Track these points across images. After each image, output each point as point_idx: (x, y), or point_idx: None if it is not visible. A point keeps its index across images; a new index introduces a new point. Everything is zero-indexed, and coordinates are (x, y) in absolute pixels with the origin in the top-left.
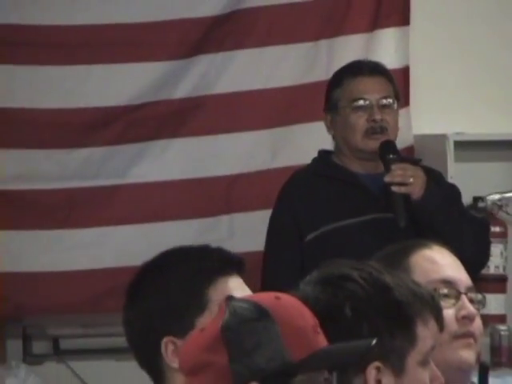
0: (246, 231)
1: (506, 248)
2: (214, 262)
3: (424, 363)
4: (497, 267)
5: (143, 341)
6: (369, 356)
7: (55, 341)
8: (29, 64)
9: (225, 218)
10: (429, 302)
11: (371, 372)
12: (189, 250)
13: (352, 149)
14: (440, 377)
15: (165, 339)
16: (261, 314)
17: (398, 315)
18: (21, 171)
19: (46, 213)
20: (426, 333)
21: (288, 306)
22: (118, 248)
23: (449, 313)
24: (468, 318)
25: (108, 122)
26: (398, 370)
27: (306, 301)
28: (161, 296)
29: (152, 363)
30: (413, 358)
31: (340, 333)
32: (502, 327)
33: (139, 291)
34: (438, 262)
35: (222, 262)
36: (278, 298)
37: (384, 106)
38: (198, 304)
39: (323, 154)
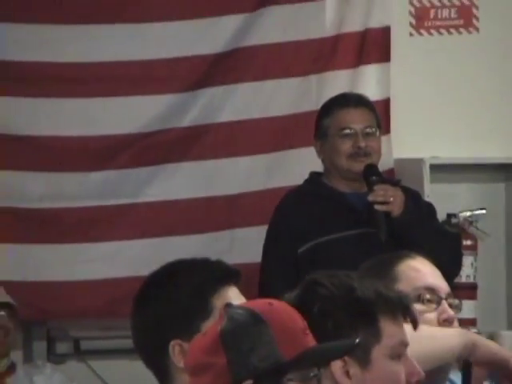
0: (245, 244)
1: (475, 259)
2: (217, 273)
3: (393, 356)
4: (468, 276)
5: (151, 343)
6: None
7: (76, 342)
8: (52, 97)
9: (226, 233)
10: (395, 303)
11: (337, 363)
12: (192, 262)
13: (339, 170)
14: (419, 372)
15: (172, 342)
16: (255, 319)
17: (360, 313)
18: (45, 191)
19: (67, 228)
20: (392, 329)
21: (280, 310)
22: (132, 259)
23: (431, 316)
24: (448, 321)
25: (122, 147)
26: (364, 362)
27: (293, 305)
28: (169, 303)
29: (159, 363)
30: (379, 352)
31: (310, 330)
32: (473, 329)
33: (147, 298)
34: (422, 271)
35: (224, 274)
36: (270, 303)
37: (368, 134)
38: (204, 311)
39: (314, 176)
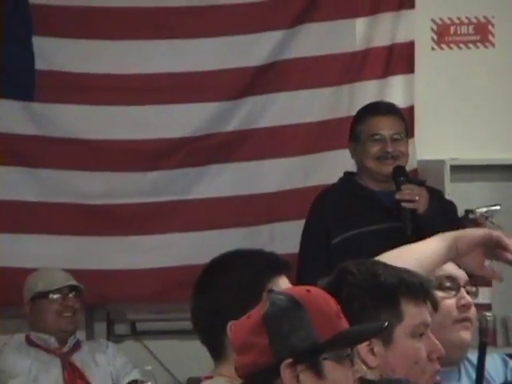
0: (283, 237)
1: None
2: (271, 263)
3: (414, 335)
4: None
5: (210, 324)
6: None
7: (133, 324)
8: (112, 105)
9: (266, 227)
10: (417, 287)
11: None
12: (249, 253)
13: (369, 171)
14: (440, 349)
15: (230, 323)
16: (295, 303)
17: (383, 296)
18: (105, 189)
19: (125, 222)
20: (414, 310)
21: (316, 296)
22: (182, 250)
23: (451, 302)
24: (465, 306)
25: (174, 150)
26: (387, 340)
27: (325, 291)
28: (229, 288)
29: (216, 342)
30: (400, 331)
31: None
32: (488, 314)
33: (208, 284)
34: None
35: (277, 264)
36: (308, 290)
37: (395, 140)
38: (258, 297)
39: (347, 175)
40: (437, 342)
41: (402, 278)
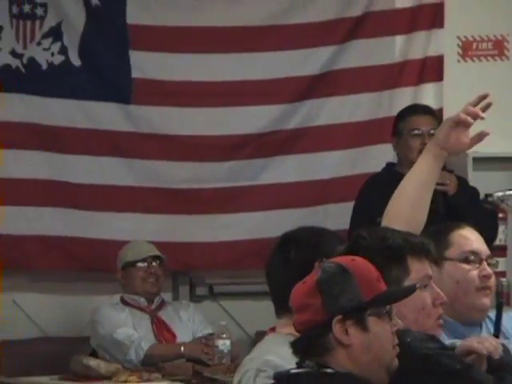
0: (335, 216)
1: (506, 227)
2: (331, 236)
3: (420, 287)
4: (500, 240)
5: (283, 288)
6: None
7: (211, 287)
8: (194, 107)
9: (321, 207)
10: (419, 247)
11: None
12: (313, 229)
13: (410, 162)
14: (443, 297)
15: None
16: (343, 270)
17: (392, 255)
18: (189, 176)
19: (205, 203)
20: (418, 266)
21: (360, 264)
22: (251, 226)
23: (474, 273)
24: (486, 277)
25: (245, 143)
26: None
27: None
28: (297, 260)
29: (283, 303)
30: (408, 283)
31: None
32: (504, 279)
33: (280, 254)
34: (469, 238)
35: (337, 238)
36: (353, 259)
37: (432, 135)
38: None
39: (390, 165)
40: (439, 291)
41: (406, 239)
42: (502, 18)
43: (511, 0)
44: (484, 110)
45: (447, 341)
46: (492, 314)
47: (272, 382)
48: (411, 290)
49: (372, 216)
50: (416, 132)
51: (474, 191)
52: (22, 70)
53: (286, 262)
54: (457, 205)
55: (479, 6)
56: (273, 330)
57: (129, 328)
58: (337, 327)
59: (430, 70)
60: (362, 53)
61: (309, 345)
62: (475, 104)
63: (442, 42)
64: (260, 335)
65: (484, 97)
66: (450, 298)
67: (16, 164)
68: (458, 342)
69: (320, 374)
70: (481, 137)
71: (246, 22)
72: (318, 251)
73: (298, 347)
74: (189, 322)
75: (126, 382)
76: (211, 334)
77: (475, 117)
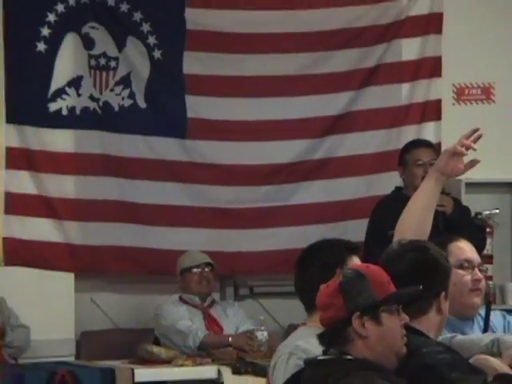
0: (354, 230)
1: (492, 240)
2: (348, 246)
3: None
4: (487, 250)
5: (306, 288)
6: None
7: (251, 288)
8: (237, 141)
9: (342, 223)
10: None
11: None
12: (333, 240)
13: (414, 187)
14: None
15: (321, 287)
16: (359, 274)
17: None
18: (233, 198)
19: (246, 220)
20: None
21: (374, 269)
22: (284, 238)
23: (468, 277)
24: (478, 281)
25: (279, 171)
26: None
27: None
28: (320, 264)
29: (308, 301)
30: None
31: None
32: (490, 282)
33: (305, 261)
34: (463, 249)
35: (351, 246)
36: (367, 266)
37: (432, 164)
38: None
39: (397, 189)
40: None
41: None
42: (489, 68)
43: (497, 54)
44: (475, 141)
45: (447, 334)
46: (482, 311)
47: (302, 364)
48: (416, 291)
49: (383, 229)
50: (419, 162)
51: (467, 210)
52: (99, 111)
53: (312, 268)
54: (453, 221)
55: (470, 59)
56: (304, 324)
57: (187, 320)
58: (356, 322)
59: (430, 111)
60: (375, 97)
61: (332, 336)
62: (468, 136)
63: (439, 89)
64: (292, 328)
65: (476, 130)
66: (448, 298)
67: (93, 187)
68: (459, 336)
69: (342, 359)
70: (473, 164)
71: (283, 72)
72: (335, 258)
73: (323, 338)
74: (233, 318)
75: (182, 365)
76: (251, 330)
77: (468, 148)
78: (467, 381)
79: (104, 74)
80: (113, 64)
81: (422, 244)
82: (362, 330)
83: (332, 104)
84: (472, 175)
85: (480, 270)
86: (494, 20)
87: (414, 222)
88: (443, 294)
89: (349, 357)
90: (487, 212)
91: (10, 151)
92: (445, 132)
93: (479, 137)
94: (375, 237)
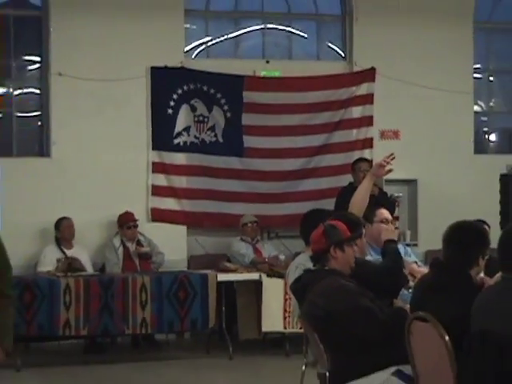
0: (328, 204)
1: (398, 209)
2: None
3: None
4: (396, 213)
5: (308, 234)
6: None
7: (277, 233)
8: (269, 159)
9: (324, 201)
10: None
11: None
12: (321, 210)
13: (359, 182)
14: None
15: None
16: (333, 226)
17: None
18: (266, 188)
19: (274, 198)
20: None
21: (340, 224)
22: (295, 209)
23: (386, 226)
24: (388, 221)
25: (291, 173)
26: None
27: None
28: (316, 221)
29: (307, 241)
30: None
31: None
32: (397, 230)
33: (309, 220)
34: (383, 213)
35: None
36: (336, 222)
37: (367, 170)
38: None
39: (350, 183)
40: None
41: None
42: (397, 120)
43: (402, 114)
44: (391, 159)
45: (374, 256)
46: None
47: (302, 272)
48: (360, 235)
49: (343, 203)
50: (361, 169)
51: (385, 194)
52: (199, 144)
53: (309, 223)
54: (378, 200)
55: (386, 117)
56: (303, 252)
57: (244, 249)
58: (331, 250)
59: (367, 143)
60: (339, 136)
61: (318, 258)
62: (387, 157)
63: (372, 131)
64: (297, 253)
65: (391, 154)
66: (375, 236)
67: (195, 182)
68: (380, 259)
69: (323, 270)
70: (388, 172)
71: (294, 123)
72: (324, 217)
73: (313, 259)
74: (267, 249)
75: (242, 272)
76: (276, 254)
77: (387, 163)
78: (386, 267)
79: (201, 125)
80: (206, 120)
81: (353, 216)
82: (335, 254)
83: (317, 140)
84: (388, 176)
85: (392, 224)
86: (398, 97)
87: (359, 200)
88: (358, 239)
89: (326, 268)
90: (395, 194)
91: (154, 164)
92: (374, 154)
93: (393, 158)
94: (338, 207)
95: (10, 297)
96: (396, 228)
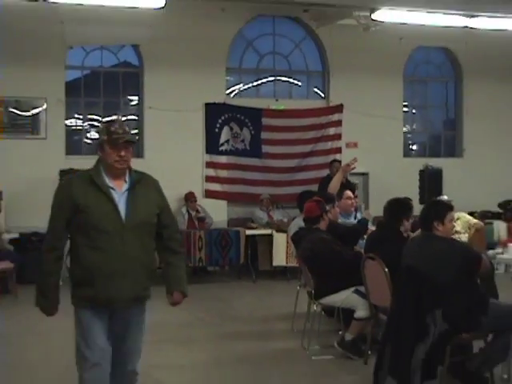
0: (314, 189)
1: (357, 190)
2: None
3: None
4: (356, 193)
5: (303, 204)
6: None
7: (282, 206)
8: (279, 160)
9: (311, 186)
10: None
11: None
12: (312, 192)
13: (334, 175)
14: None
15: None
16: (320, 201)
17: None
18: (276, 177)
19: (281, 184)
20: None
21: (307, 203)
22: (294, 190)
23: (349, 202)
24: (353, 199)
25: (292, 168)
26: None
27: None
28: (311, 197)
29: (302, 209)
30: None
31: None
32: (356, 203)
33: (305, 197)
34: (348, 193)
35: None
36: (318, 200)
37: (339, 168)
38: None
39: (328, 175)
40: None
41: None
42: (357, 135)
43: (360, 127)
44: (355, 161)
45: (342, 219)
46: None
47: (298, 229)
48: (333, 206)
49: (324, 187)
50: (335, 167)
51: (349, 181)
52: (234, 151)
53: (302, 199)
54: (345, 185)
55: (350, 135)
56: (299, 216)
57: (263, 215)
58: (323, 215)
59: (337, 151)
60: (321, 146)
61: (310, 221)
62: (353, 159)
63: (341, 143)
64: (295, 217)
65: (355, 158)
66: (343, 207)
67: (233, 173)
68: (346, 222)
69: (313, 228)
70: (352, 168)
71: (294, 137)
72: (312, 196)
73: (307, 221)
74: (276, 215)
75: (260, 229)
76: (281, 218)
77: (352, 163)
78: (356, 228)
79: (236, 139)
80: (239, 135)
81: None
82: (326, 217)
83: (307, 148)
84: (351, 172)
85: (354, 199)
86: (357, 122)
87: (334, 185)
88: (333, 209)
89: (315, 226)
90: (356, 182)
91: (207, 163)
92: (343, 157)
93: (356, 161)
94: (321, 189)
95: (181, 253)
96: (356, 201)
